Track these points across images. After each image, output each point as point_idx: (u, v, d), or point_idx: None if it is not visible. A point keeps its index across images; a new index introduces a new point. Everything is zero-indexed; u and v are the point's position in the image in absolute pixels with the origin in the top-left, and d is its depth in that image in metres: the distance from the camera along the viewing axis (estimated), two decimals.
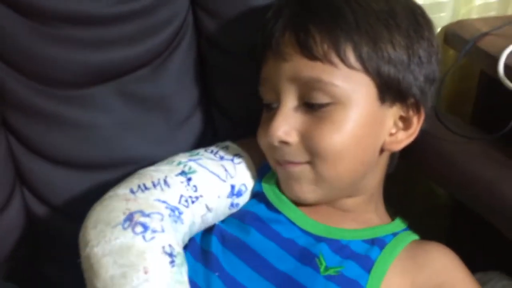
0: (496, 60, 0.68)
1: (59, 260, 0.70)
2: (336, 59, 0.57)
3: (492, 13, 0.89)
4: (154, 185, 0.59)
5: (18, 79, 0.65)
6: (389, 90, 0.59)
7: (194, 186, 0.61)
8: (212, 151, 0.67)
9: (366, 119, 0.59)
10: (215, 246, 0.60)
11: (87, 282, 0.53)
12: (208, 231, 0.63)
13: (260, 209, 0.64)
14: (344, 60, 0.57)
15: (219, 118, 0.76)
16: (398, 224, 0.65)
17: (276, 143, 0.60)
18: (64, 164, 0.68)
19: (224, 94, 0.75)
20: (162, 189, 0.59)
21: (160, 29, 0.68)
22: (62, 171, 0.68)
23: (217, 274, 0.58)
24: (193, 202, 0.60)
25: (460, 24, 0.82)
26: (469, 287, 0.60)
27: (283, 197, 0.64)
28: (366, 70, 0.58)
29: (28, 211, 0.70)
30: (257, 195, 0.66)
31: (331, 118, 0.58)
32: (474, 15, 0.88)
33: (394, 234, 0.63)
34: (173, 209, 0.58)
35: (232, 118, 0.76)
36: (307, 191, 0.62)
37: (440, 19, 0.82)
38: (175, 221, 0.58)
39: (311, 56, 0.58)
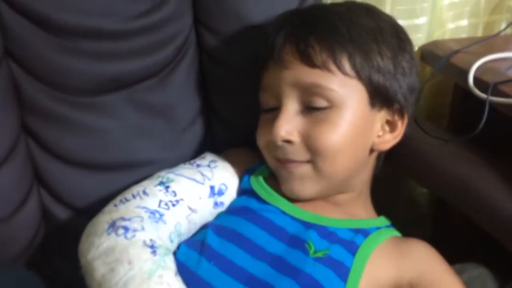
0: (466, 73, 0.76)
1: (69, 255, 0.73)
2: (333, 67, 0.64)
3: (463, 35, 0.97)
4: (134, 196, 0.65)
5: (38, 86, 0.69)
6: (378, 96, 0.66)
7: (173, 191, 0.66)
8: (189, 163, 0.72)
9: (359, 121, 0.65)
10: (211, 237, 0.65)
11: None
12: (203, 227, 0.68)
13: (251, 203, 0.69)
14: (340, 68, 0.64)
15: (218, 125, 0.81)
16: (383, 221, 0.71)
17: (279, 142, 0.65)
18: (78, 165, 0.72)
19: (223, 104, 0.80)
20: (141, 198, 0.64)
21: (166, 44, 0.74)
22: (76, 171, 0.72)
23: (212, 262, 0.62)
24: (173, 205, 0.65)
25: (434, 44, 0.90)
26: (448, 276, 0.63)
27: (273, 192, 0.69)
28: (360, 77, 0.64)
29: (43, 208, 0.74)
30: (246, 192, 0.70)
31: (328, 120, 0.64)
32: (448, 37, 0.96)
33: (378, 228, 0.68)
34: (153, 212, 0.63)
35: (229, 125, 0.80)
36: (307, 189, 0.67)
37: (417, 40, 0.90)
38: (156, 222, 0.62)
39: (311, 63, 0.64)
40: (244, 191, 0.71)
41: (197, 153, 0.78)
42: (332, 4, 0.73)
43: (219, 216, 0.70)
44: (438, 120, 0.96)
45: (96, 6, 0.68)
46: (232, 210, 0.70)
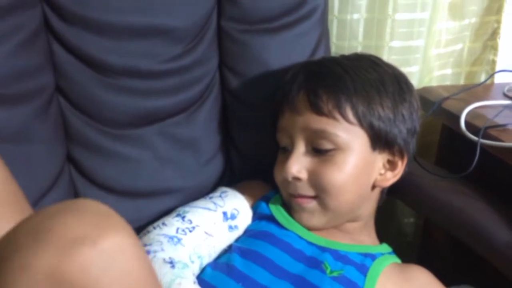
0: (458, 117, 0.85)
1: None
2: (338, 116, 0.72)
3: (447, 82, 1.09)
4: (154, 228, 0.73)
5: (82, 119, 0.76)
6: (379, 140, 0.73)
7: (189, 220, 0.73)
8: (204, 197, 0.80)
9: (361, 162, 0.73)
10: (236, 260, 0.71)
11: None
12: (226, 251, 0.74)
13: (271, 228, 0.76)
14: (344, 116, 0.72)
15: (236, 158, 0.88)
16: (386, 247, 0.78)
17: (290, 179, 0.74)
18: (113, 191, 0.79)
19: (242, 139, 0.87)
20: (160, 228, 0.72)
21: (194, 84, 0.81)
22: (111, 197, 0.78)
23: (240, 284, 0.68)
24: (190, 231, 0.72)
25: (425, 89, 1.01)
26: None
27: (291, 219, 0.76)
28: (361, 125, 0.72)
29: None
30: (266, 217, 0.77)
31: (333, 161, 0.72)
32: (434, 83, 1.07)
33: (382, 254, 0.75)
34: (171, 237, 0.70)
35: (247, 158, 0.88)
36: (316, 220, 0.75)
37: None
38: (175, 244, 0.69)
39: (319, 112, 0.72)
40: (263, 216, 0.78)
41: (217, 183, 0.85)
42: (340, 57, 0.81)
43: (240, 239, 0.76)
44: (426, 157, 1.05)
45: (137, 49, 0.76)
46: (253, 234, 0.77)
